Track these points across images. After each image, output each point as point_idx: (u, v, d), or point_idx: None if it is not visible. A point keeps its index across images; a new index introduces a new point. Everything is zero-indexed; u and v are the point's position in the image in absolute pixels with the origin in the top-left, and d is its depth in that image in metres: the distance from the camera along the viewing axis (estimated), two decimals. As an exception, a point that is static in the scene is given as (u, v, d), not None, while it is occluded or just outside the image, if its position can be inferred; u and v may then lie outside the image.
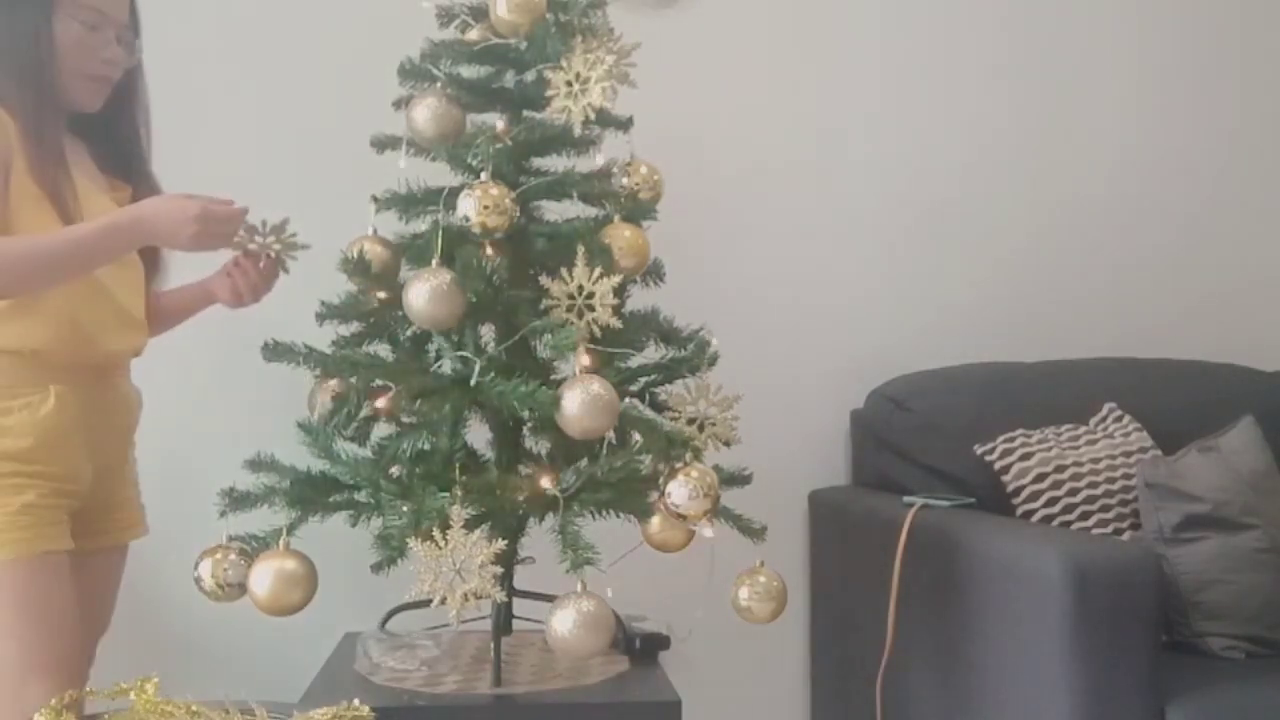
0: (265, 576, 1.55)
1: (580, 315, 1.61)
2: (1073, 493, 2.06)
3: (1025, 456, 2.11)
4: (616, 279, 1.62)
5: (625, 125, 1.81)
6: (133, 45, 1.69)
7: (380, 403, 1.64)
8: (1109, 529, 2.04)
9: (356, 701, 1.51)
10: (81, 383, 1.69)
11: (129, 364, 1.82)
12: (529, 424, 1.72)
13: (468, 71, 1.76)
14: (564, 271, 1.62)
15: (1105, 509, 2.05)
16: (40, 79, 1.59)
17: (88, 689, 1.51)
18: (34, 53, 1.59)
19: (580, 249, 1.62)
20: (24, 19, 1.59)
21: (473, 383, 1.56)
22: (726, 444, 1.79)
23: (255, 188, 2.05)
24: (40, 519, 1.62)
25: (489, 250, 1.63)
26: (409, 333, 1.72)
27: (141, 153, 1.77)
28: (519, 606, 1.81)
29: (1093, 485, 2.07)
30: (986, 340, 2.48)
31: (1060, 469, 2.08)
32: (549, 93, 1.65)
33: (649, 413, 1.76)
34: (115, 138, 1.74)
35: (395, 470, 1.65)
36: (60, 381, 1.66)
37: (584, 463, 1.63)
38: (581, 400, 1.51)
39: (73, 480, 1.67)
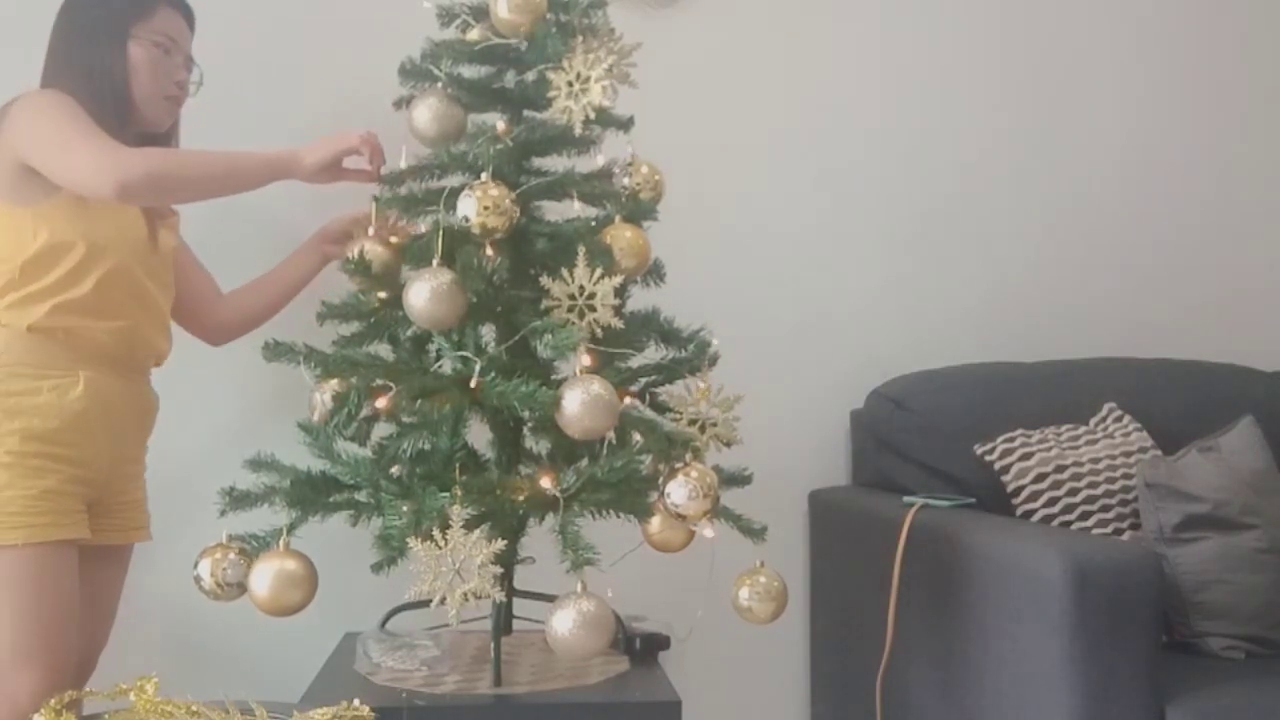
0: (265, 576, 1.55)
1: (581, 315, 1.61)
2: (1073, 493, 2.06)
3: (1025, 456, 2.11)
4: (617, 279, 1.62)
5: (626, 125, 1.81)
6: (192, 74, 1.86)
7: (380, 403, 1.63)
8: (1109, 529, 2.04)
9: (356, 701, 1.51)
10: (109, 374, 1.71)
11: (150, 368, 1.85)
12: (529, 424, 1.72)
13: (468, 71, 1.76)
14: (565, 272, 1.62)
15: (1105, 509, 2.05)
16: (115, 97, 1.74)
17: (87, 689, 1.51)
18: (109, 74, 1.74)
19: (581, 249, 1.62)
20: (103, 47, 1.74)
21: (473, 383, 1.56)
22: (728, 445, 1.79)
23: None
24: (58, 506, 1.64)
25: (489, 250, 1.63)
26: (409, 333, 1.72)
27: None
28: (519, 606, 1.81)
29: (1093, 485, 2.07)
30: (986, 340, 2.48)
31: (1060, 469, 2.08)
32: (550, 93, 1.65)
33: (649, 413, 1.76)
34: None
35: (395, 470, 1.65)
36: (89, 368, 1.69)
37: (584, 463, 1.63)
38: (582, 400, 1.51)
39: (91, 468, 1.70)
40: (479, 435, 1.75)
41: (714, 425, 1.79)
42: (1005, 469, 2.12)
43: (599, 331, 1.62)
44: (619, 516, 1.65)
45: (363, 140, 1.78)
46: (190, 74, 1.86)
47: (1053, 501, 2.07)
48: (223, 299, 2.03)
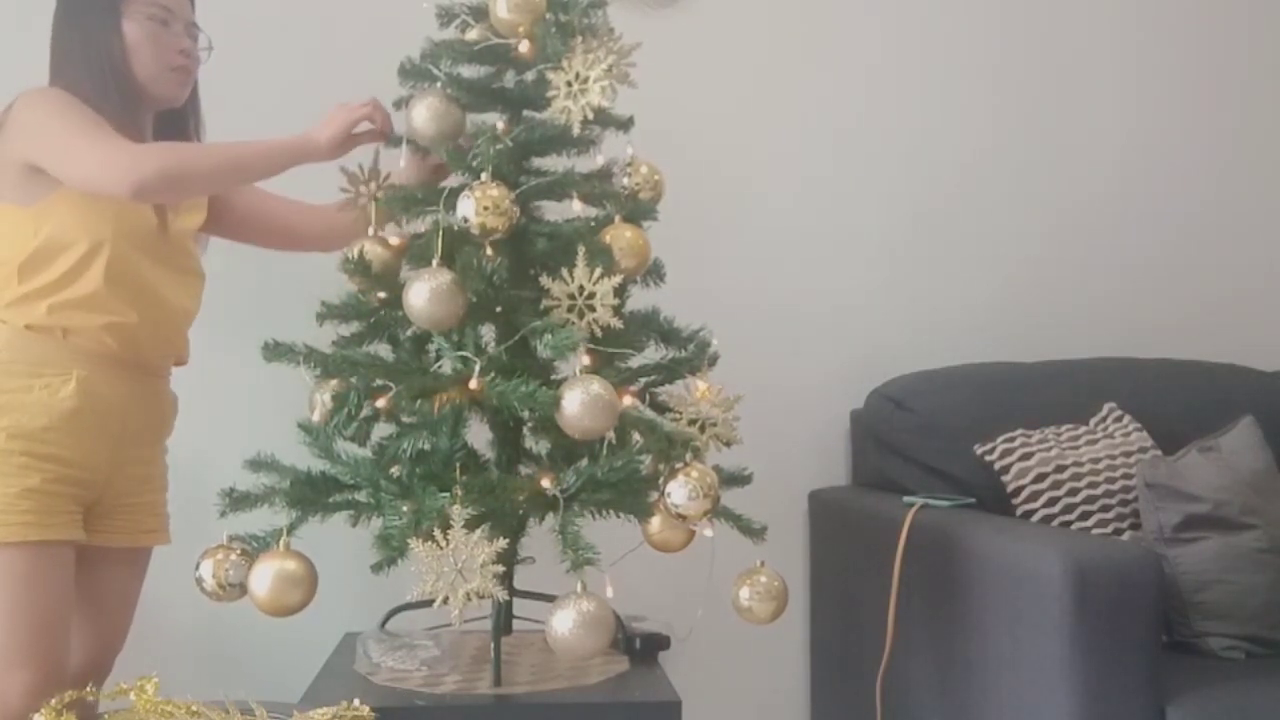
0: (265, 577, 1.55)
1: (581, 315, 1.61)
2: (1073, 493, 2.06)
3: (1025, 456, 2.11)
4: (617, 279, 1.62)
5: (625, 125, 1.81)
6: (198, 41, 1.81)
7: (380, 403, 1.63)
8: (1109, 529, 2.04)
9: (356, 701, 1.51)
10: (111, 373, 1.70)
11: (169, 369, 1.84)
12: (529, 424, 1.72)
13: (468, 71, 1.76)
14: (564, 272, 1.62)
15: (1105, 509, 2.05)
16: (119, 80, 1.71)
17: (88, 689, 1.51)
18: (108, 56, 1.70)
19: (581, 249, 1.62)
20: (97, 30, 1.71)
21: (473, 383, 1.56)
22: (728, 444, 1.79)
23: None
24: (41, 506, 1.62)
25: (489, 250, 1.63)
26: (409, 333, 1.72)
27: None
28: (519, 606, 1.81)
29: (1093, 485, 2.07)
30: (986, 340, 2.49)
31: (1060, 469, 2.08)
32: (549, 93, 1.65)
33: (649, 413, 1.76)
34: (175, 136, 1.83)
35: (395, 470, 1.65)
36: (87, 368, 1.67)
37: (584, 463, 1.63)
38: (582, 400, 1.51)
39: (84, 469, 1.68)
40: (479, 435, 1.75)
41: (714, 425, 1.78)
42: (1005, 469, 2.12)
43: (599, 331, 1.62)
44: (619, 516, 1.65)
45: (373, 107, 1.77)
46: (197, 41, 1.82)
47: (1053, 501, 2.07)
48: (305, 212, 1.97)
